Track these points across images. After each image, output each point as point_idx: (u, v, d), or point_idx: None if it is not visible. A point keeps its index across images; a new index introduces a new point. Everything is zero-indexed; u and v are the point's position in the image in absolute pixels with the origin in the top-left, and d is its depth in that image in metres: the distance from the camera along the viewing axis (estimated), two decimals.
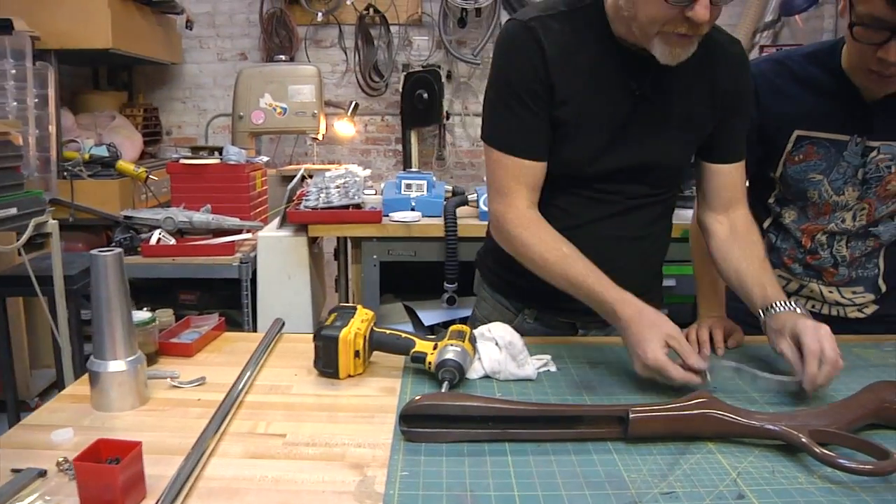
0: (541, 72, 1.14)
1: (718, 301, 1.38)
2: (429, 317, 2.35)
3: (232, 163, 2.55)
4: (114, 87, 4.65)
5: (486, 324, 1.20)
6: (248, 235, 2.42)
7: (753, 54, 3.74)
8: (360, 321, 1.15)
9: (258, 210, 2.76)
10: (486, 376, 1.12)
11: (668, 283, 2.25)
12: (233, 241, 2.35)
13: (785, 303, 1.10)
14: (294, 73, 3.62)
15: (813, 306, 1.43)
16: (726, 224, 1.27)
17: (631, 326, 1.05)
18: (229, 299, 2.43)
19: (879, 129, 1.27)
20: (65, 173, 3.45)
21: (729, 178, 1.26)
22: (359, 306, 1.19)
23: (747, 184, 1.46)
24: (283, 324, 1.40)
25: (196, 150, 2.66)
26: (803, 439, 0.83)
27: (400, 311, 2.45)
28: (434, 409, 0.90)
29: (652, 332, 1.02)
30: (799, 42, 3.65)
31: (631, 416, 0.87)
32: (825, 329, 1.00)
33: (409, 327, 2.36)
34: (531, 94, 1.16)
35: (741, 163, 1.27)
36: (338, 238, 2.32)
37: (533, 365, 1.12)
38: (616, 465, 0.85)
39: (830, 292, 1.40)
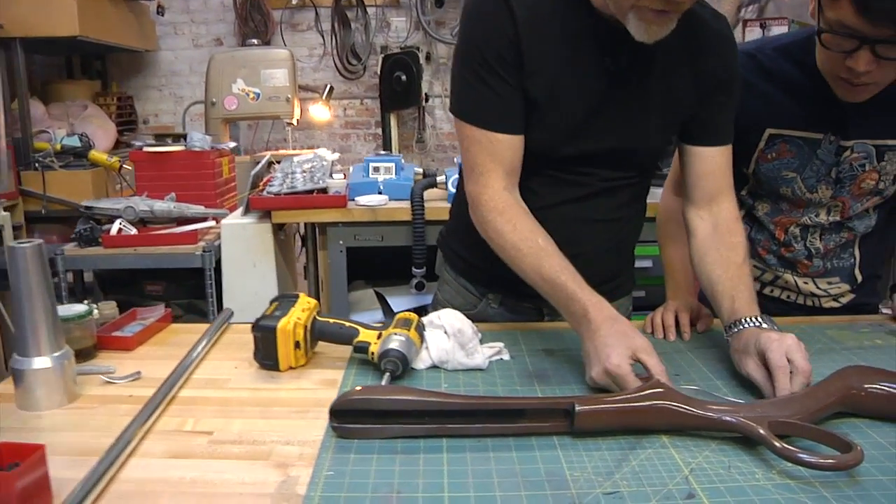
0: (511, 36, 1.05)
1: (687, 283, 1.31)
2: (398, 303, 2.28)
3: (196, 149, 2.46)
4: (87, 76, 4.55)
5: (447, 307, 1.13)
6: (213, 223, 2.34)
7: (737, 30, 3.66)
8: (301, 310, 1.08)
9: (226, 197, 2.68)
10: (435, 366, 1.05)
11: (644, 264, 2.19)
12: (195, 230, 2.28)
13: (751, 319, 1.01)
14: (266, 57, 3.53)
15: (788, 297, 1.38)
16: (708, 222, 1.16)
17: (601, 330, 0.95)
18: (196, 289, 2.36)
19: (854, 127, 1.19)
20: (36, 164, 3.38)
21: (713, 163, 1.16)
22: (301, 294, 1.13)
23: None
24: (232, 314, 1.34)
25: (160, 138, 2.58)
26: (761, 431, 0.76)
27: (371, 298, 2.38)
28: (365, 404, 0.84)
29: (620, 341, 0.93)
30: (783, 16, 3.56)
31: (577, 409, 0.80)
32: (791, 339, 0.92)
33: (380, 314, 2.30)
34: (501, 62, 1.06)
35: (727, 147, 1.17)
36: (305, 224, 2.25)
37: (483, 353, 1.05)
38: (559, 462, 0.78)
39: (805, 283, 1.35)
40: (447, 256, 1.39)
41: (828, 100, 1.17)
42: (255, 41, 3.77)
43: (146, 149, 2.50)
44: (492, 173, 1.10)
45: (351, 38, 4.33)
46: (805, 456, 0.72)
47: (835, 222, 1.28)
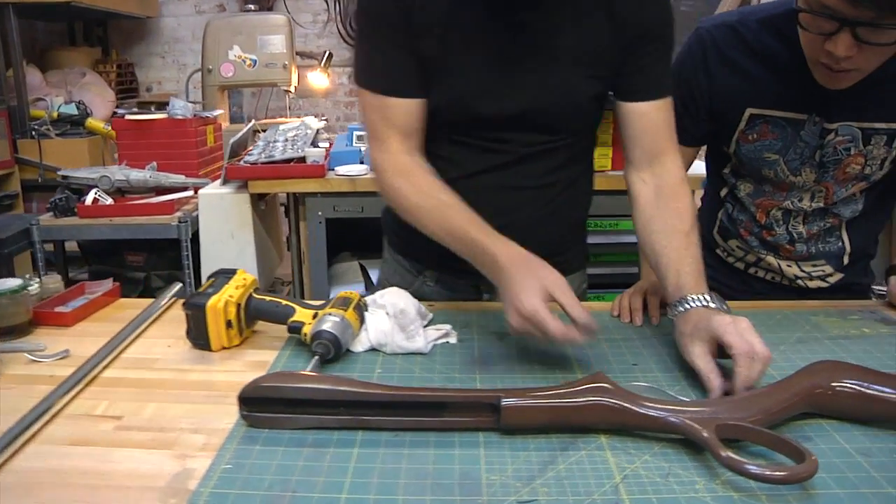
0: None
1: None
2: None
3: (178, 117, 2.38)
4: (89, 42, 4.49)
5: (388, 287, 1.06)
6: (191, 193, 2.27)
7: None
8: (235, 287, 1.01)
9: (212, 167, 2.61)
10: (374, 349, 0.97)
11: (633, 239, 2.07)
12: (172, 200, 2.21)
13: (698, 297, 0.90)
14: (264, 23, 3.42)
15: (773, 278, 1.28)
16: (651, 185, 1.06)
17: (509, 270, 0.89)
18: (177, 260, 2.30)
19: (838, 109, 1.09)
20: (32, 133, 3.34)
21: (649, 120, 1.05)
22: (239, 270, 1.05)
23: (704, 150, 1.29)
24: (181, 287, 1.27)
25: (143, 106, 2.51)
26: (705, 435, 0.66)
27: (355, 271, 2.29)
28: (274, 392, 0.76)
29: (533, 281, 0.86)
30: None
31: (503, 403, 0.72)
32: (745, 323, 0.82)
33: (362, 288, 2.22)
34: (389, 23, 1.00)
35: (665, 101, 1.05)
36: (287, 195, 2.16)
37: (425, 337, 0.97)
38: (478, 462, 0.70)
39: (789, 266, 1.25)
40: (386, 234, 1.32)
41: (812, 78, 1.07)
42: (252, 7, 3.67)
43: (128, 116, 2.42)
44: (390, 138, 1.05)
45: (355, 4, 4.22)
46: (752, 467, 0.62)
47: (818, 208, 1.19)
